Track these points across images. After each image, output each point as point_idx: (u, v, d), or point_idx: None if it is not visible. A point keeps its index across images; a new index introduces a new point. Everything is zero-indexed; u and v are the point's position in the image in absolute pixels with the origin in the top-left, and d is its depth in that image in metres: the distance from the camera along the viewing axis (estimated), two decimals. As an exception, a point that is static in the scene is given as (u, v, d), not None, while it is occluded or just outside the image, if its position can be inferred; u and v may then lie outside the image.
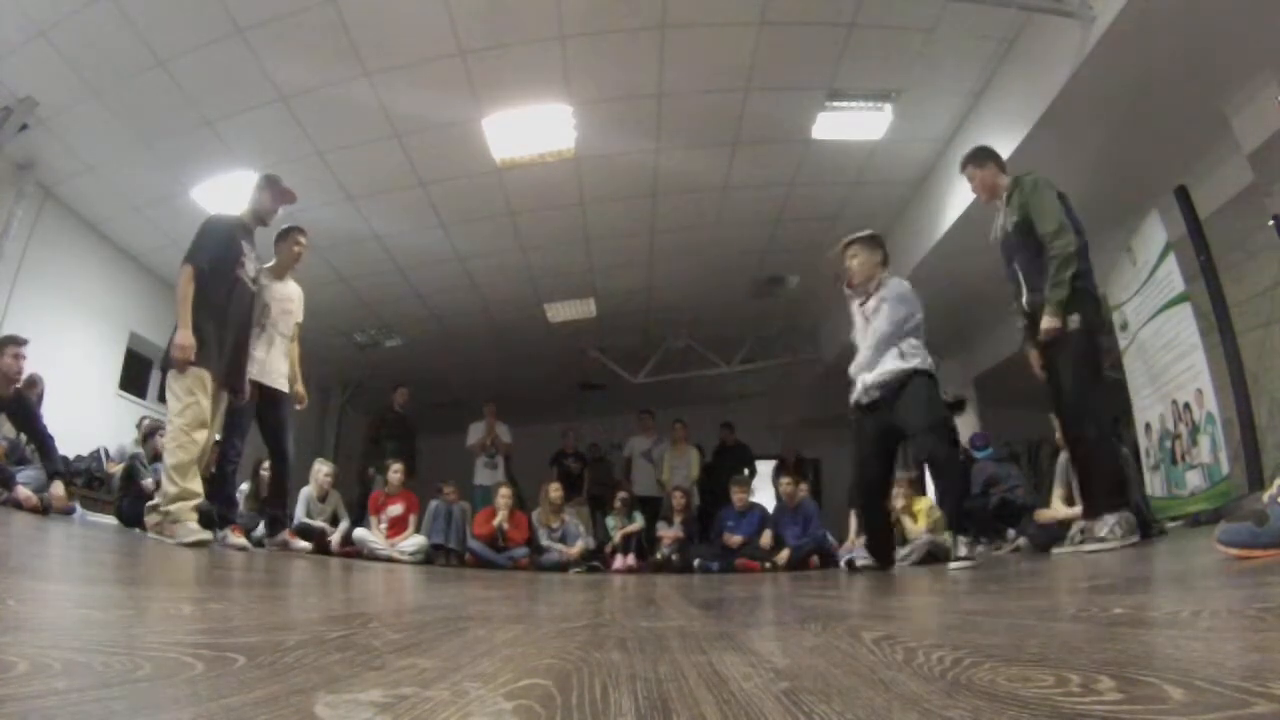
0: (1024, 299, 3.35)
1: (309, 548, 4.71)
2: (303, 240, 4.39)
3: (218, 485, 4.11)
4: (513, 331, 8.73)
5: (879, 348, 3.52)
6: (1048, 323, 3.13)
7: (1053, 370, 3.25)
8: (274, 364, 4.14)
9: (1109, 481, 3.09)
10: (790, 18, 4.52)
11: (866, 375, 3.56)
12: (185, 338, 3.44)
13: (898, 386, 3.46)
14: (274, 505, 4.38)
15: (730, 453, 8.43)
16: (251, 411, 4.02)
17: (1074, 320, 3.12)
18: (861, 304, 3.72)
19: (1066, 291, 3.12)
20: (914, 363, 3.46)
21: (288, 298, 4.31)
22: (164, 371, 3.64)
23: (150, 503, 3.63)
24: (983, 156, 3.56)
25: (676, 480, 7.46)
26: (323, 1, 4.26)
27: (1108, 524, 3.00)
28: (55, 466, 4.57)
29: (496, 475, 7.46)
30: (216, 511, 3.99)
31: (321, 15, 4.33)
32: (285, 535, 4.29)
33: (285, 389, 4.21)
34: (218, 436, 3.89)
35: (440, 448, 9.07)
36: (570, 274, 7.61)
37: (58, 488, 4.49)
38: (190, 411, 3.44)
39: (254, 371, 4.00)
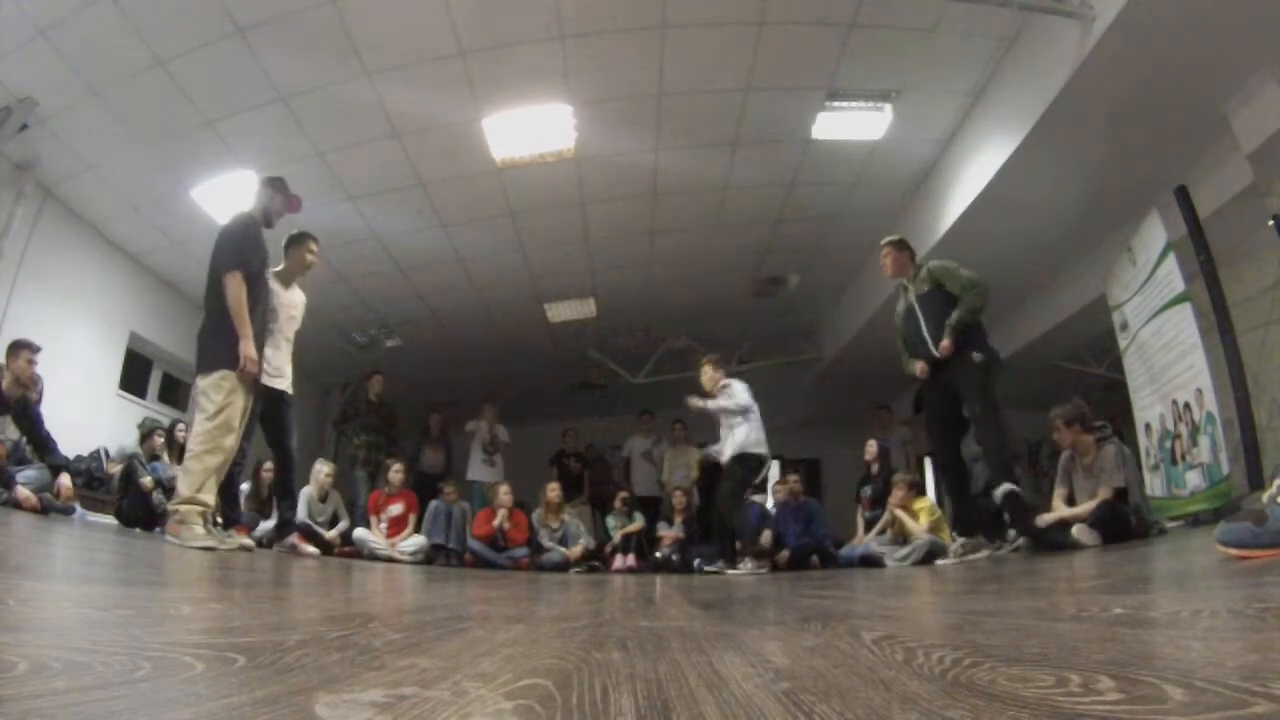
0: (931, 349, 4.09)
1: (317, 553, 4.71)
2: (314, 249, 4.29)
3: (223, 486, 4.11)
4: (513, 331, 8.73)
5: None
6: (945, 344, 3.95)
7: (947, 401, 4.08)
8: (281, 367, 4.12)
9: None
10: (790, 18, 4.52)
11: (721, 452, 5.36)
12: (251, 348, 3.47)
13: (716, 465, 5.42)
14: (283, 508, 4.37)
15: None
16: (257, 413, 3.99)
17: (977, 356, 3.88)
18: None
19: (968, 323, 3.94)
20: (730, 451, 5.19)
21: (293, 304, 4.29)
22: (199, 374, 3.62)
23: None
24: (902, 245, 4.47)
25: (677, 480, 7.46)
26: (323, 1, 4.26)
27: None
28: (58, 460, 4.58)
29: (496, 474, 7.46)
30: (221, 512, 4.00)
31: (321, 15, 4.33)
32: (294, 539, 4.28)
33: (290, 391, 4.20)
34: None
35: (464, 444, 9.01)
36: (570, 274, 7.61)
37: (65, 479, 4.50)
38: (224, 414, 3.43)
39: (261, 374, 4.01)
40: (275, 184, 3.95)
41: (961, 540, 4.13)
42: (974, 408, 3.94)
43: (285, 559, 3.75)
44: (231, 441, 3.49)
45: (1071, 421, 4.06)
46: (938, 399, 4.18)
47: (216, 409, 3.40)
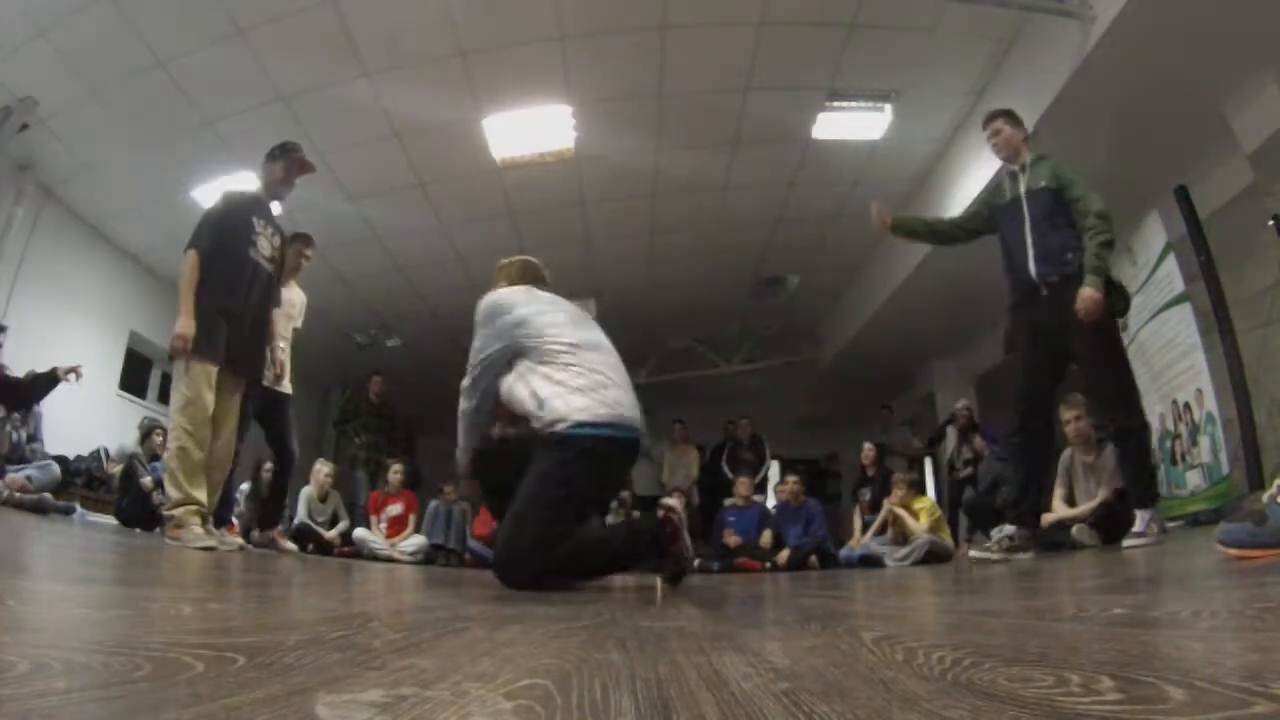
0: (1031, 270, 3.20)
1: (295, 549, 4.71)
2: (308, 253, 4.31)
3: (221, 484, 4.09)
4: (513, 331, 8.72)
5: None
6: (1090, 291, 2.93)
7: (1065, 356, 3.15)
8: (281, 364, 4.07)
9: (1149, 473, 3.13)
10: (790, 18, 4.53)
11: None
12: (185, 326, 3.21)
13: None
14: (270, 501, 4.39)
15: (744, 446, 8.27)
16: (250, 413, 3.93)
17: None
18: None
19: (1105, 270, 3.01)
20: None
21: (289, 303, 4.23)
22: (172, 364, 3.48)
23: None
24: (1015, 117, 3.52)
25: (676, 480, 7.46)
26: (323, 1, 4.26)
27: (1144, 519, 2.98)
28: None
29: None
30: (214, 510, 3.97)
31: (321, 15, 4.33)
32: (274, 534, 4.28)
33: (288, 391, 4.17)
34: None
35: (441, 448, 9.06)
36: (570, 274, 7.59)
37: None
38: (192, 408, 3.22)
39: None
40: (272, 154, 3.67)
41: (1012, 530, 3.23)
42: (1104, 371, 3.07)
43: (284, 559, 3.75)
44: (206, 434, 3.27)
45: (1091, 412, 4.02)
46: (1038, 346, 3.23)
47: (184, 401, 3.23)
